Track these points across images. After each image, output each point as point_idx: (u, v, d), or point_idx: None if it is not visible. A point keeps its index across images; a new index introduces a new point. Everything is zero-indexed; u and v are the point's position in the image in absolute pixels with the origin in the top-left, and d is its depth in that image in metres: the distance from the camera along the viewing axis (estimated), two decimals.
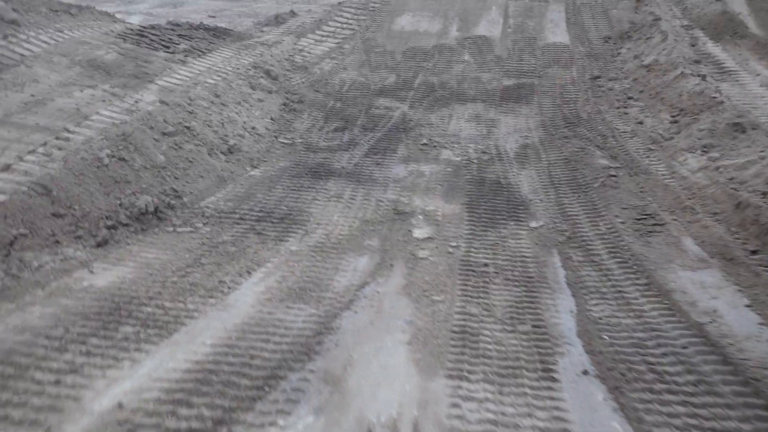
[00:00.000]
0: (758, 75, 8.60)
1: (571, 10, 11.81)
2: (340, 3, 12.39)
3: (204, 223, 4.79)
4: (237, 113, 6.77)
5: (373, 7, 11.89)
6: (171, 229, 4.65)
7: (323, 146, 6.83)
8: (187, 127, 5.73)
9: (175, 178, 5.14)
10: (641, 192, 5.69)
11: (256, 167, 6.09)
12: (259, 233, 4.72)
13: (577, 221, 5.25)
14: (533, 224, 5.23)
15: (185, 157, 5.44)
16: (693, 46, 9.81)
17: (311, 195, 5.53)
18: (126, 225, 4.48)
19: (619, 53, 10.05)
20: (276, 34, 10.61)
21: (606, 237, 4.92)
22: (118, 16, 10.45)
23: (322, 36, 10.64)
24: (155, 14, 12.66)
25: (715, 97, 7.22)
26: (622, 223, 5.14)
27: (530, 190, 5.93)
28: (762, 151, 5.66)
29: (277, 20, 11.77)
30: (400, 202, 5.51)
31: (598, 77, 9.14)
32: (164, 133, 5.49)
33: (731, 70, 8.81)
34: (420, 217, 5.24)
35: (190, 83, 7.11)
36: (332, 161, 6.40)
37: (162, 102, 5.98)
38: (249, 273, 4.05)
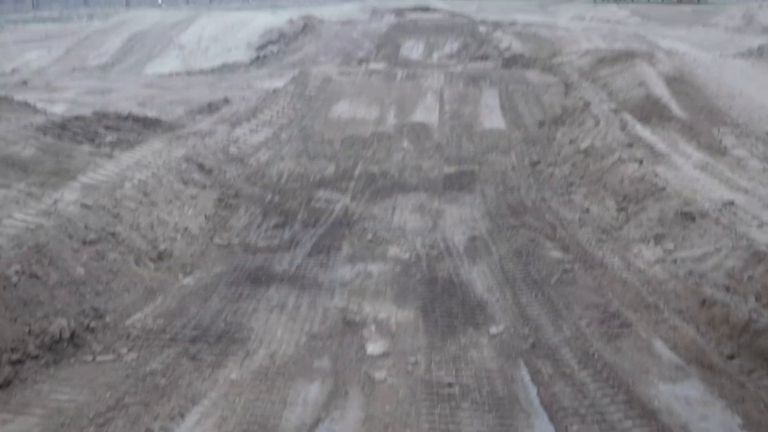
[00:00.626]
0: (689, 157, 8.74)
1: (505, 95, 11.96)
2: (275, 90, 12.19)
3: (129, 348, 4.22)
4: (168, 213, 6.28)
5: (309, 94, 11.73)
6: (90, 358, 4.06)
7: (262, 246, 6.38)
8: (112, 234, 5.21)
9: (96, 294, 4.58)
10: (600, 288, 5.46)
11: (189, 274, 5.57)
12: (193, 358, 4.19)
13: (540, 324, 4.93)
14: (493, 330, 4.88)
15: (109, 269, 4.89)
16: (624, 129, 9.97)
17: (251, 306, 5.05)
18: (35, 357, 3.87)
19: (554, 138, 10.12)
20: (209, 123, 10.23)
21: (573, 343, 4.61)
22: (39, 105, 9.87)
23: (258, 125, 10.33)
24: (81, 102, 12.12)
25: (656, 183, 7.22)
26: (588, 325, 4.85)
27: (485, 289, 5.61)
28: (716, 242, 5.55)
29: (211, 108, 11.43)
30: (349, 310, 5.09)
31: (538, 162, 9.11)
32: (85, 242, 4.95)
33: (663, 153, 8.91)
34: (372, 327, 4.82)
35: (117, 180, 6.59)
36: (273, 263, 5.95)
37: (84, 205, 5.44)
38: (182, 415, 3.50)
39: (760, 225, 6.03)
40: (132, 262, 5.17)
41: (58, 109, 10.99)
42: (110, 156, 7.27)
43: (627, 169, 7.71)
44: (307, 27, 24.69)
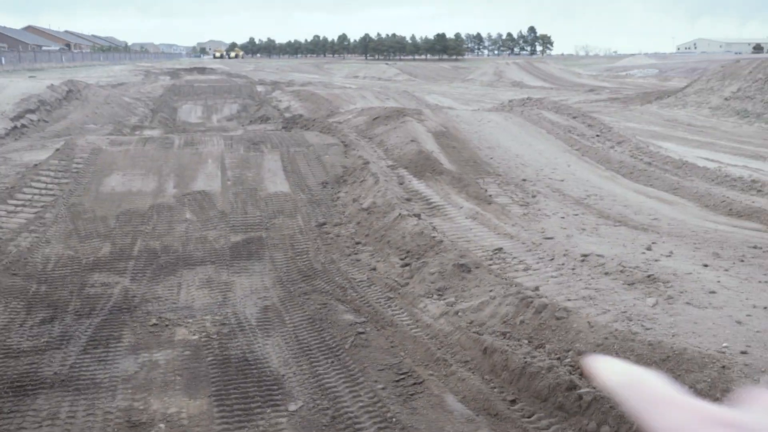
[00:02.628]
0: (461, 207, 9.42)
1: (287, 158, 12.07)
2: (36, 165, 11.13)
3: None
4: None
5: (76, 168, 10.86)
6: None
7: (27, 348, 5.64)
8: None
9: None
10: (392, 347, 5.57)
11: None
12: None
13: (338, 394, 4.89)
14: (292, 407, 4.74)
15: None
16: (401, 184, 10.54)
17: (15, 423, 4.40)
18: None
19: (338, 197, 10.37)
20: None
21: (371, 409, 4.61)
22: None
23: (17, 205, 9.32)
24: None
25: (434, 236, 7.64)
26: (383, 388, 4.90)
27: (281, 363, 5.46)
28: (491, 290, 5.96)
29: None
30: (134, 409, 4.64)
31: (324, 224, 9.24)
32: None
33: (438, 205, 9.54)
34: (161, 426, 4.43)
35: None
36: (41, 366, 5.27)
37: None
38: None
39: (526, 269, 6.62)
40: None
41: None
42: None
43: (407, 225, 8.08)
44: (71, 92, 23.15)
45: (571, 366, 4.76)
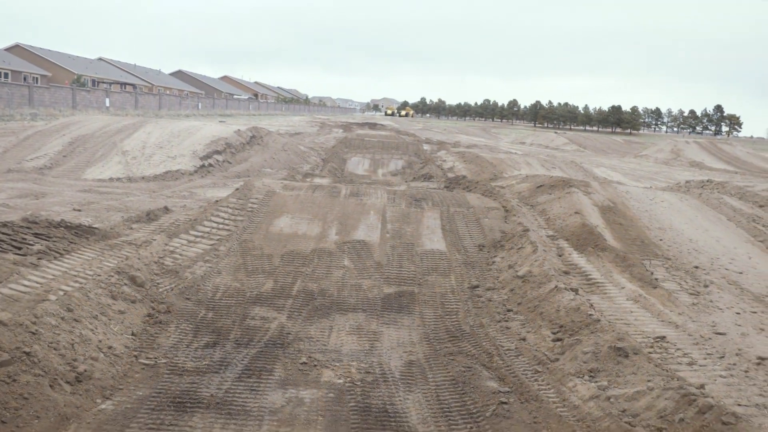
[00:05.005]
0: (623, 288, 8.95)
1: (446, 217, 12.22)
2: (217, 201, 12.15)
3: None
4: (92, 330, 5.98)
5: (251, 207, 11.72)
6: None
7: (191, 367, 6.09)
8: (27, 353, 4.88)
9: (2, 422, 4.22)
10: (535, 423, 5.36)
11: (108, 398, 5.23)
12: None
13: None
14: None
15: (19, 393, 4.54)
16: (560, 256, 10.25)
17: None
18: None
19: (494, 262, 10.29)
20: (146, 233, 10.05)
21: None
22: None
23: (197, 236, 10.20)
24: (12, 206, 11.78)
25: (591, 314, 7.31)
26: None
27: (419, 420, 5.44)
28: (649, 381, 5.58)
29: (149, 217, 11.28)
30: None
31: (477, 287, 9.18)
32: None
33: (598, 282, 9.14)
34: None
35: (40, 293, 6.29)
36: (200, 387, 5.66)
37: None
38: None
39: (691, 363, 6.14)
40: (47, 384, 4.82)
41: None
42: (36, 266, 6.98)
43: (563, 299, 7.82)
44: (254, 138, 25.12)
45: None
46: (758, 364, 6.31)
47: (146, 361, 6.09)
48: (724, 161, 44.75)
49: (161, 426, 4.88)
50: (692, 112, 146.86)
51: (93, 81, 75.58)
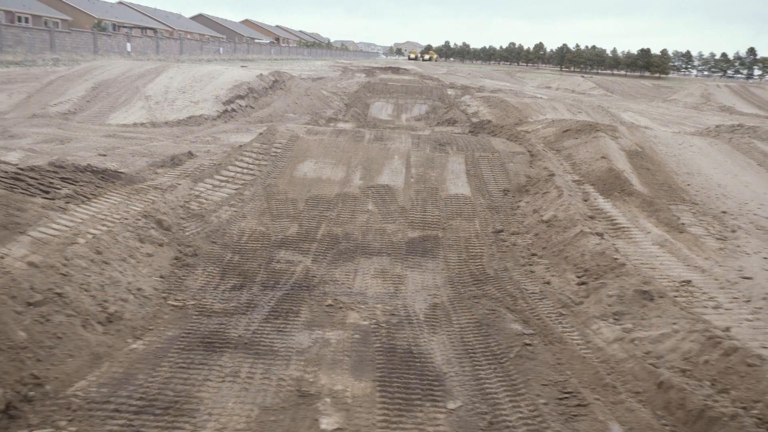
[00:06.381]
0: (649, 233, 8.85)
1: (471, 162, 12.10)
2: (241, 146, 12.14)
3: (69, 420, 3.97)
4: (121, 272, 6.07)
5: (275, 152, 11.70)
6: (26, 431, 3.81)
7: (218, 309, 6.19)
8: (59, 294, 4.98)
9: (38, 360, 4.34)
10: (559, 364, 5.39)
11: (139, 338, 5.35)
12: (137, 431, 3.96)
13: (497, 401, 4.83)
14: (451, 405, 4.75)
15: (53, 333, 4.65)
16: (586, 201, 10.13)
17: (203, 374, 4.84)
18: None
19: (518, 206, 10.22)
20: (171, 177, 10.11)
21: (530, 423, 4.50)
22: None
23: (221, 181, 10.23)
24: (38, 151, 11.88)
25: (616, 258, 7.25)
26: (545, 404, 4.76)
27: (444, 361, 5.49)
28: (674, 323, 5.55)
29: (174, 161, 11.32)
30: (305, 380, 4.92)
31: (501, 231, 9.15)
32: (29, 303, 4.72)
33: (624, 227, 9.04)
34: (327, 400, 4.65)
35: (69, 236, 6.38)
36: (228, 328, 5.76)
37: (30, 263, 5.22)
38: None
39: (716, 306, 6.09)
40: (79, 324, 4.94)
41: (13, 158, 10.75)
42: (64, 210, 7.07)
43: (588, 243, 7.76)
44: (277, 83, 24.91)
45: (758, 418, 4.31)
46: None
47: (175, 303, 6.20)
48: (755, 105, 43.58)
49: (191, 365, 4.99)
50: (724, 55, 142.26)
51: (114, 25, 75.12)
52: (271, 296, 6.63)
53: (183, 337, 5.49)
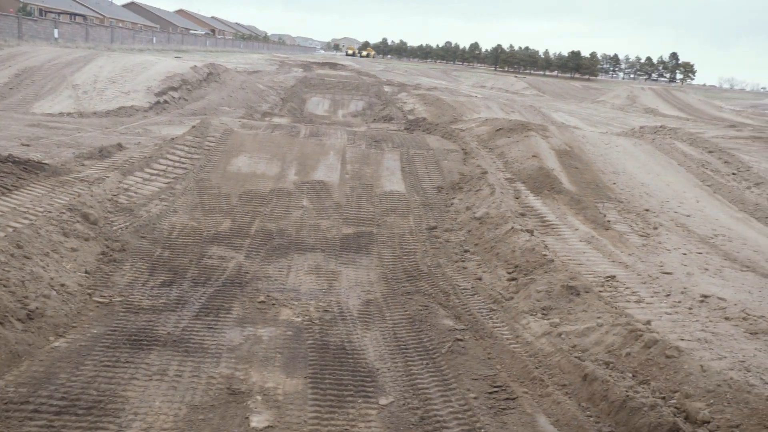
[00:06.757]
0: (576, 230, 9.13)
1: (406, 159, 12.19)
2: (173, 139, 11.86)
3: None
4: (43, 267, 5.84)
5: (208, 145, 11.48)
6: None
7: (146, 306, 6.04)
8: None
9: None
10: (489, 359, 5.50)
11: (62, 336, 5.16)
12: None
13: (429, 396, 4.89)
14: (383, 401, 4.78)
15: None
16: (517, 198, 10.36)
17: (129, 373, 4.71)
18: None
19: (452, 203, 10.35)
20: (99, 169, 9.78)
21: (461, 417, 4.58)
22: None
23: (152, 174, 9.97)
24: None
25: (545, 255, 7.46)
26: (475, 398, 4.86)
27: (376, 357, 5.52)
28: (599, 317, 5.75)
29: (102, 153, 10.96)
30: (235, 378, 4.86)
31: (435, 228, 9.25)
32: None
33: (553, 224, 9.30)
34: (258, 398, 4.61)
35: None
36: (157, 325, 5.62)
37: None
38: None
39: (638, 301, 6.34)
40: None
41: None
42: None
43: (519, 240, 7.94)
44: (211, 75, 24.45)
45: (676, 408, 4.52)
46: (701, 301, 6.56)
47: (101, 300, 6.01)
48: (677, 108, 45.48)
49: (117, 363, 4.85)
50: (649, 59, 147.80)
51: (40, 10, 72.02)
52: (202, 293, 6.50)
53: (109, 334, 5.33)
